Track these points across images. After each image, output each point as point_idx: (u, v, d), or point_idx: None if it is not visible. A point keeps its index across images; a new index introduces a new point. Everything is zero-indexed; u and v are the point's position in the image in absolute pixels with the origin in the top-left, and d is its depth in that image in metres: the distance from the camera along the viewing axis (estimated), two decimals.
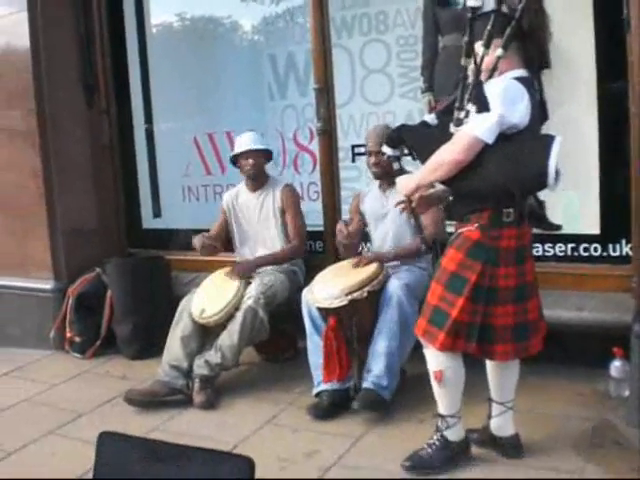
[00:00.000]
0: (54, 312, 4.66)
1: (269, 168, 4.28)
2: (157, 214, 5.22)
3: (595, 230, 3.64)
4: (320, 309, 3.48)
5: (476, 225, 2.64)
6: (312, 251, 4.39)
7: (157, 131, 5.19)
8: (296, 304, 3.78)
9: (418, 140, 2.85)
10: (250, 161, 4.05)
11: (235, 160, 4.14)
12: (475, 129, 2.54)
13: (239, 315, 3.72)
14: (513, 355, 2.78)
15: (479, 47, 2.61)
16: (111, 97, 5.03)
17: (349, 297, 3.35)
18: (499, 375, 2.89)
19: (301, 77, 4.83)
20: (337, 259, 4.14)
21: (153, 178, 5.21)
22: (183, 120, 5.11)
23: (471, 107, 2.59)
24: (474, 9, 2.54)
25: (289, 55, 4.85)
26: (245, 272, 3.95)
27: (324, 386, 3.45)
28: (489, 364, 2.89)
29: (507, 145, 2.55)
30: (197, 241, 4.01)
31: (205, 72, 5.02)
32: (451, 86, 4.29)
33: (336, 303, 3.37)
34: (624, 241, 3.57)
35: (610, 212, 3.60)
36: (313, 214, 4.32)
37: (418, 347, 2.98)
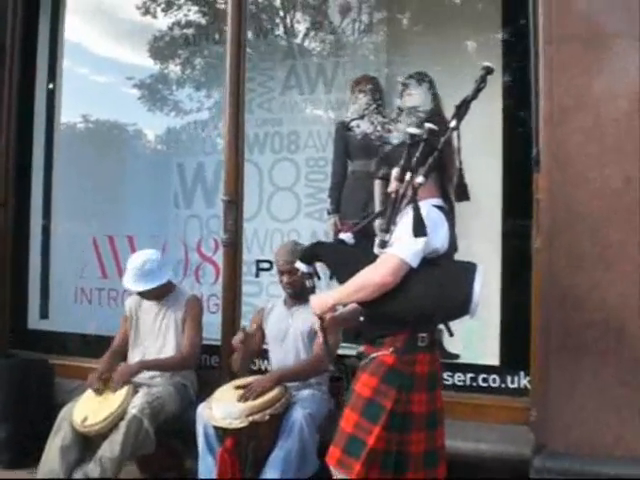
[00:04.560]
0: None
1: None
2: (44, 315, 4.94)
3: (494, 361, 3.70)
4: (217, 428, 3.28)
5: (391, 349, 2.60)
6: (207, 366, 4.23)
7: (54, 229, 5.02)
8: (185, 420, 3.61)
9: (336, 258, 2.81)
10: (148, 295, 3.91)
11: None
12: (402, 252, 2.54)
13: (122, 424, 3.49)
14: None
15: (397, 173, 2.68)
16: (10, 189, 4.80)
17: (249, 418, 3.18)
18: None
19: (209, 188, 4.85)
20: (232, 375, 4.00)
21: (44, 277, 4.97)
22: (83, 220, 5.03)
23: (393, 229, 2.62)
24: (414, 136, 2.59)
25: (198, 165, 4.86)
26: (123, 377, 3.68)
27: None
28: None
29: (432, 270, 2.57)
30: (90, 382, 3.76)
31: (110, 175, 4.95)
32: (358, 209, 4.46)
33: (235, 424, 3.19)
34: (522, 373, 3.63)
35: (509, 344, 3.68)
36: (211, 327, 4.18)
37: None
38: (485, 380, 3.69)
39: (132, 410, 3.53)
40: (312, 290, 2.92)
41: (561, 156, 3.09)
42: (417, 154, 2.58)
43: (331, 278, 2.97)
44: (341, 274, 2.74)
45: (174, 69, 5.23)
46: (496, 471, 3.37)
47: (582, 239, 3.04)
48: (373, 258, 2.62)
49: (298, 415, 3.29)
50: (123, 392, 3.62)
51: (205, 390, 3.89)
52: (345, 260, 2.77)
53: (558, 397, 3.06)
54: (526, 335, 3.53)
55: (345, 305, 2.86)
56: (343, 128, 4.58)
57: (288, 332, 3.67)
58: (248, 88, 4.30)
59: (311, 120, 4.84)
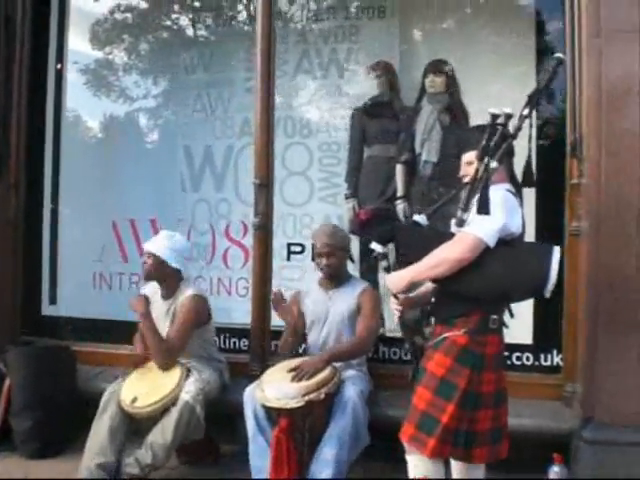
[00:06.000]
0: None
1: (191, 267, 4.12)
2: (53, 300, 4.86)
3: (528, 340, 3.83)
4: (270, 409, 3.32)
5: (463, 330, 2.70)
6: (236, 349, 4.25)
7: (62, 213, 4.93)
8: (221, 405, 3.64)
9: (412, 238, 2.89)
10: (149, 261, 3.80)
11: None
12: (480, 231, 2.62)
13: (175, 411, 3.45)
14: (490, 458, 2.80)
15: (472, 156, 2.76)
16: (21, 171, 4.69)
17: (306, 398, 3.22)
18: (469, 476, 2.90)
19: (218, 171, 4.84)
20: (263, 358, 4.04)
21: (53, 262, 4.89)
22: (91, 205, 4.91)
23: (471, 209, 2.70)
24: (495, 116, 2.65)
25: (206, 149, 4.84)
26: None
27: None
28: (457, 467, 2.91)
29: (510, 250, 2.66)
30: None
31: (118, 158, 4.90)
32: (376, 193, 4.53)
33: (292, 403, 3.22)
34: (555, 351, 3.79)
35: (542, 323, 3.82)
36: (240, 310, 4.21)
37: None
38: (519, 358, 3.83)
39: (185, 396, 3.48)
40: (387, 270, 2.95)
41: (608, 143, 3.22)
42: (496, 137, 2.66)
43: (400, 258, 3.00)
44: (417, 253, 2.79)
45: None
46: (534, 444, 3.50)
47: (628, 224, 3.18)
48: (448, 238, 2.71)
49: (351, 393, 3.35)
50: (176, 375, 3.57)
51: (235, 373, 3.95)
52: (421, 240, 2.85)
53: (604, 372, 3.20)
54: (559, 314, 3.70)
55: (420, 283, 2.94)
56: (359, 113, 4.65)
57: (327, 314, 3.73)
58: None
59: (324, 105, 4.86)
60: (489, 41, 4.49)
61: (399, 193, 4.45)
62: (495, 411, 2.76)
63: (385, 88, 4.59)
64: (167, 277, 3.82)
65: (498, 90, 4.42)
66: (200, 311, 3.78)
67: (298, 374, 3.34)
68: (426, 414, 2.71)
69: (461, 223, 2.69)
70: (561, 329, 3.72)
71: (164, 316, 3.80)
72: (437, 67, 4.36)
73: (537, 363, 3.84)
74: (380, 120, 4.59)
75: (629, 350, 3.18)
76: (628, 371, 3.20)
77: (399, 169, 4.45)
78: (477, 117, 4.36)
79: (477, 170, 2.67)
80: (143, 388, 3.56)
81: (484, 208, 2.61)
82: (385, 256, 2.93)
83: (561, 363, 3.77)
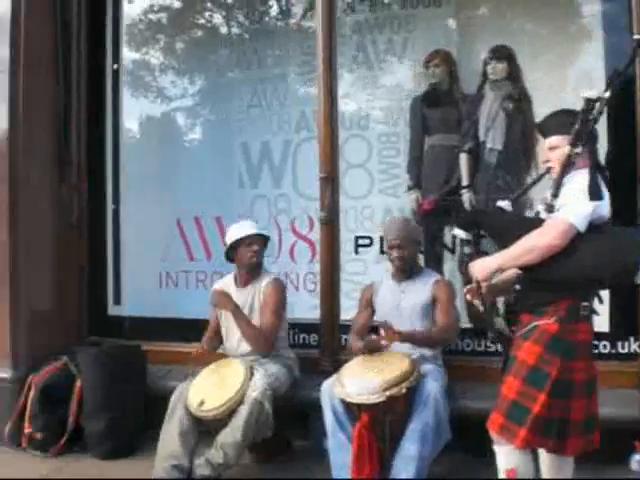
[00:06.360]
0: (10, 404, 4.15)
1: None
2: (117, 301, 4.90)
3: (604, 328, 3.77)
4: (350, 404, 3.30)
5: (554, 318, 2.65)
6: (306, 344, 4.24)
7: (123, 213, 4.95)
8: (293, 401, 3.63)
9: (498, 224, 2.86)
10: (254, 247, 3.83)
11: (231, 249, 3.88)
12: (571, 216, 2.58)
13: (243, 409, 3.43)
14: (583, 448, 2.75)
15: (557, 141, 2.72)
16: (83, 173, 4.74)
17: (387, 393, 3.20)
18: (557, 471, 2.86)
19: (275, 167, 4.83)
20: (332, 353, 4.03)
21: (116, 262, 4.92)
22: (152, 204, 4.94)
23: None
24: (590, 101, 2.61)
25: (263, 145, 4.83)
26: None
27: None
28: (546, 460, 2.86)
29: (600, 235, 2.62)
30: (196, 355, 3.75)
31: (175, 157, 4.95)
32: (439, 183, 4.49)
33: (373, 399, 3.20)
34: (632, 339, 3.73)
35: (619, 311, 3.74)
36: (309, 306, 4.20)
37: None
38: (596, 347, 3.76)
39: (253, 394, 3.46)
40: (471, 257, 2.91)
41: None
42: (590, 121, 2.61)
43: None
44: (504, 239, 2.77)
45: None
46: (614, 433, 3.44)
47: None
48: (536, 223, 2.67)
49: (432, 387, 3.33)
50: (241, 373, 3.56)
51: (304, 368, 3.94)
52: (507, 225, 2.82)
53: None
54: (636, 301, 3.64)
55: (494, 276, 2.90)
56: (419, 103, 4.61)
57: (400, 306, 3.70)
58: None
59: (381, 96, 4.82)
60: (551, 25, 4.40)
61: (464, 182, 4.39)
62: (587, 400, 2.71)
63: (444, 77, 4.54)
64: (261, 262, 3.92)
65: (560, 75, 4.34)
66: (285, 294, 3.89)
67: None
68: (516, 403, 2.67)
69: (550, 209, 2.66)
70: (638, 316, 3.66)
71: (242, 304, 3.82)
72: (499, 53, 4.30)
73: (614, 351, 3.78)
74: (440, 109, 4.55)
75: None
76: None
77: (463, 158, 4.40)
78: (541, 104, 4.34)
79: (569, 155, 2.63)
80: (209, 390, 3.55)
81: (596, 193, 2.58)
82: (469, 242, 2.90)
83: (638, 350, 3.71)
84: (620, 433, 3.38)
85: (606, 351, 3.77)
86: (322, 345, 4.12)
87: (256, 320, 3.81)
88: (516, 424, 2.66)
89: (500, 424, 2.71)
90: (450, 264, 4.54)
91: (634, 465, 3.40)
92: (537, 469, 2.87)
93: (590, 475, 3.17)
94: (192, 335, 4.16)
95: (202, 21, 5.21)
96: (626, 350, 3.78)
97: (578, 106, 2.72)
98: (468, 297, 2.91)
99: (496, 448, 2.78)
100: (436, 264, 4.38)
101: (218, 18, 5.16)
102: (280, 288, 3.87)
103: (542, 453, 2.88)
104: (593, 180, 2.58)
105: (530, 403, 2.64)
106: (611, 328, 3.76)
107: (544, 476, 2.89)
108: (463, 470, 3.66)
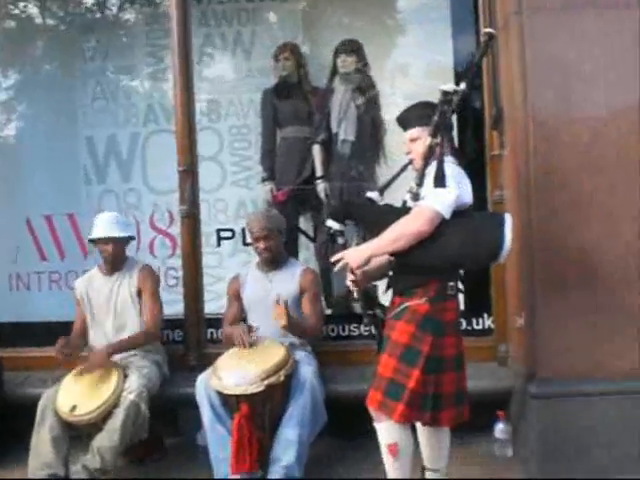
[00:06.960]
0: None
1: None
2: None
3: (461, 306, 3.99)
4: (228, 396, 3.29)
5: (424, 299, 2.79)
6: (170, 341, 4.16)
7: None
8: (162, 398, 3.59)
9: (368, 215, 2.97)
10: (109, 248, 3.73)
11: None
12: (436, 204, 2.71)
13: (120, 412, 3.34)
14: (455, 420, 2.91)
15: (417, 133, 2.87)
16: None
17: (265, 382, 3.23)
18: (436, 441, 3.01)
19: (123, 161, 4.71)
20: (198, 348, 4.00)
21: None
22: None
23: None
24: (447, 93, 2.76)
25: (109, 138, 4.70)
26: (96, 367, 3.49)
27: (233, 477, 3.24)
28: (424, 432, 3.01)
29: (464, 220, 2.76)
30: (57, 354, 3.53)
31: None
32: (293, 175, 4.57)
33: (252, 389, 3.22)
34: (486, 315, 3.99)
35: (473, 289, 3.98)
36: (172, 301, 4.11)
37: None
38: None
39: (129, 396, 3.38)
40: (343, 247, 2.99)
41: (534, 114, 3.41)
42: (448, 112, 2.77)
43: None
44: (375, 228, 2.86)
45: None
46: (479, 405, 3.67)
47: (557, 190, 3.38)
48: (404, 212, 2.79)
49: (307, 372, 3.40)
50: (113, 377, 3.45)
51: (172, 365, 3.88)
52: (377, 215, 2.93)
53: (544, 331, 3.39)
54: (488, 280, 3.90)
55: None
56: (270, 95, 4.66)
57: (268, 297, 3.69)
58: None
59: (231, 89, 4.82)
60: (399, 18, 4.60)
61: (318, 173, 4.51)
62: (457, 374, 2.88)
63: (294, 69, 4.62)
64: (122, 254, 3.83)
65: (409, 67, 4.55)
66: (158, 276, 3.92)
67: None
68: (393, 381, 2.79)
69: (416, 197, 2.79)
70: (490, 294, 3.92)
71: (109, 294, 3.77)
72: (348, 46, 4.43)
73: (470, 328, 4.01)
74: (291, 101, 4.63)
75: (564, 309, 3.37)
76: (567, 329, 3.38)
77: (317, 149, 4.51)
78: (387, 96, 4.53)
79: (430, 146, 2.77)
80: (80, 394, 3.41)
81: (441, 181, 2.72)
82: (342, 233, 2.98)
83: (492, 326, 3.97)
84: (483, 404, 3.62)
85: (463, 328, 3.99)
86: (187, 340, 4.05)
87: (128, 306, 3.75)
88: (394, 400, 2.77)
89: (379, 401, 2.81)
90: (305, 253, 4.66)
91: (498, 433, 3.65)
92: (416, 443, 3.01)
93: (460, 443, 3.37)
94: (48, 339, 3.89)
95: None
96: (481, 326, 4.03)
97: (429, 97, 2.90)
98: (349, 283, 3.00)
99: (376, 425, 2.88)
100: (293, 252, 4.45)
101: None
102: (152, 272, 3.86)
103: (419, 427, 3.02)
104: (439, 169, 2.72)
105: (405, 380, 2.76)
106: (467, 306, 3.98)
107: (423, 448, 3.03)
108: (338, 453, 3.75)
